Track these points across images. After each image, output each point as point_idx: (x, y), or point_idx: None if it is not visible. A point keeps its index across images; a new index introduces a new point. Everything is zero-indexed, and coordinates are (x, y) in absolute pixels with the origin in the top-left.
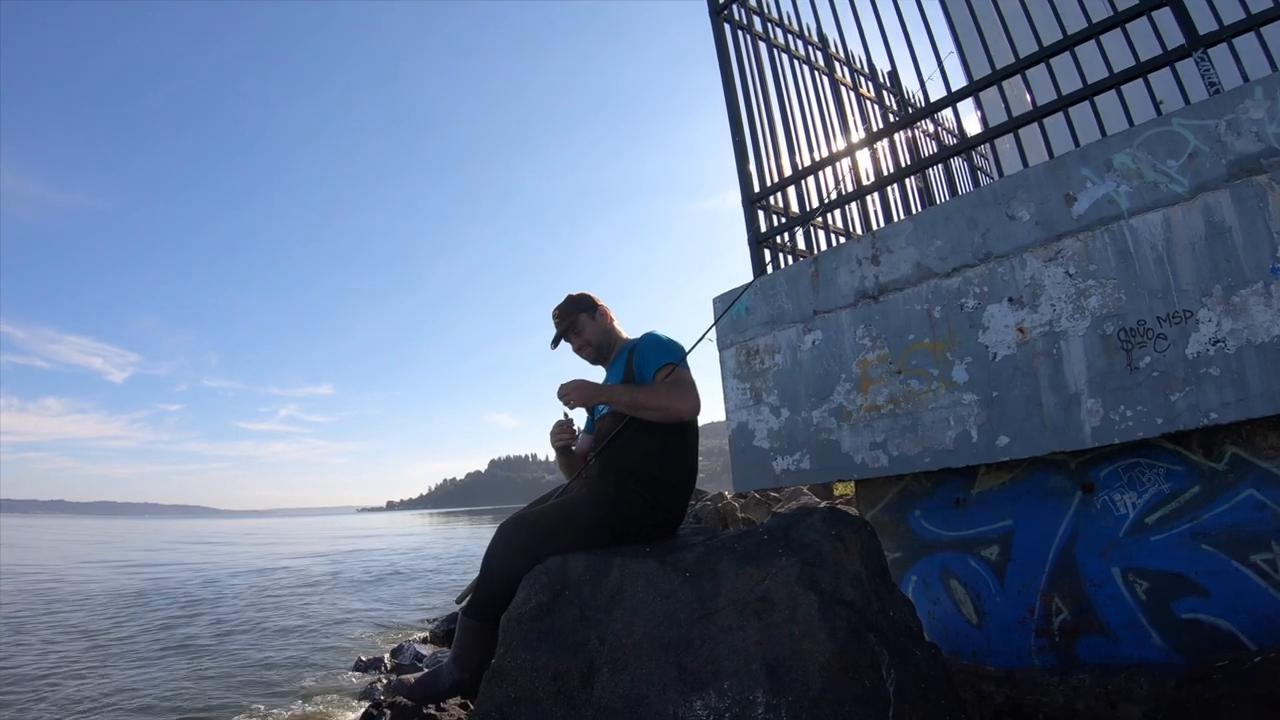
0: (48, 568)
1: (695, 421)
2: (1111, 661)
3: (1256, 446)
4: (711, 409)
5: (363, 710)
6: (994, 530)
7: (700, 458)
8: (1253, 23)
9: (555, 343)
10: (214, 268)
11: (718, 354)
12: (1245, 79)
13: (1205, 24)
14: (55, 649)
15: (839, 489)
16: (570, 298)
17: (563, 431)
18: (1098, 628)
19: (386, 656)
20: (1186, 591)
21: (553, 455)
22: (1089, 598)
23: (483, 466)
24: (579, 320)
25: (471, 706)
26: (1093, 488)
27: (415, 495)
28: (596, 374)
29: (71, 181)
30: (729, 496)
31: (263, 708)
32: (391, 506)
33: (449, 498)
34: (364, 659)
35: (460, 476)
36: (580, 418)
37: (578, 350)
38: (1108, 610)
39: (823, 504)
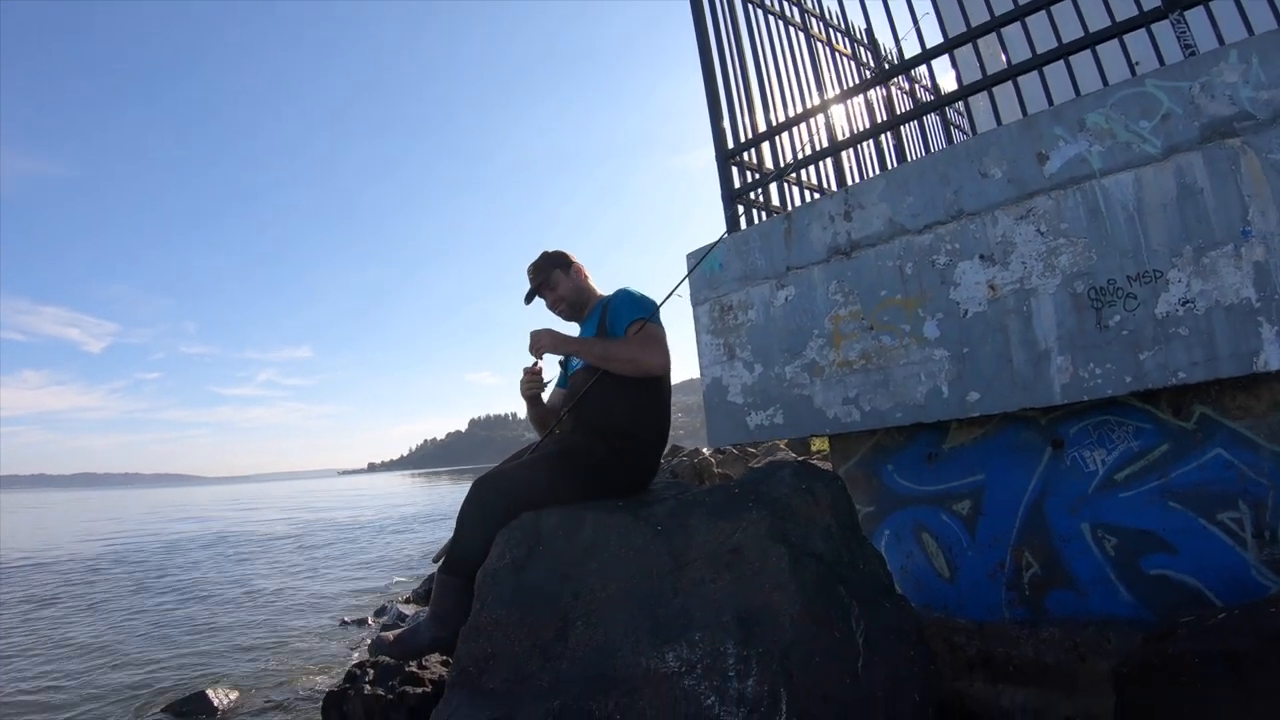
0: (41, 543)
1: (668, 377)
2: (1080, 616)
3: (1225, 407)
4: (689, 365)
5: (346, 670)
6: (965, 485)
7: (678, 414)
8: None
9: (529, 298)
10: (190, 232)
11: (692, 310)
12: (1221, 43)
13: None
14: (46, 616)
15: (816, 444)
16: (545, 254)
17: (532, 381)
18: (1067, 582)
19: (370, 617)
20: (1154, 548)
21: None
22: (1058, 553)
23: (463, 426)
24: (553, 276)
25: (451, 662)
26: (1062, 444)
27: (396, 456)
28: (571, 330)
29: (40, 149)
30: (706, 452)
31: (248, 670)
32: (373, 468)
33: (430, 458)
34: (347, 620)
35: (441, 436)
36: (551, 369)
37: (551, 306)
38: (1077, 565)
39: (799, 460)
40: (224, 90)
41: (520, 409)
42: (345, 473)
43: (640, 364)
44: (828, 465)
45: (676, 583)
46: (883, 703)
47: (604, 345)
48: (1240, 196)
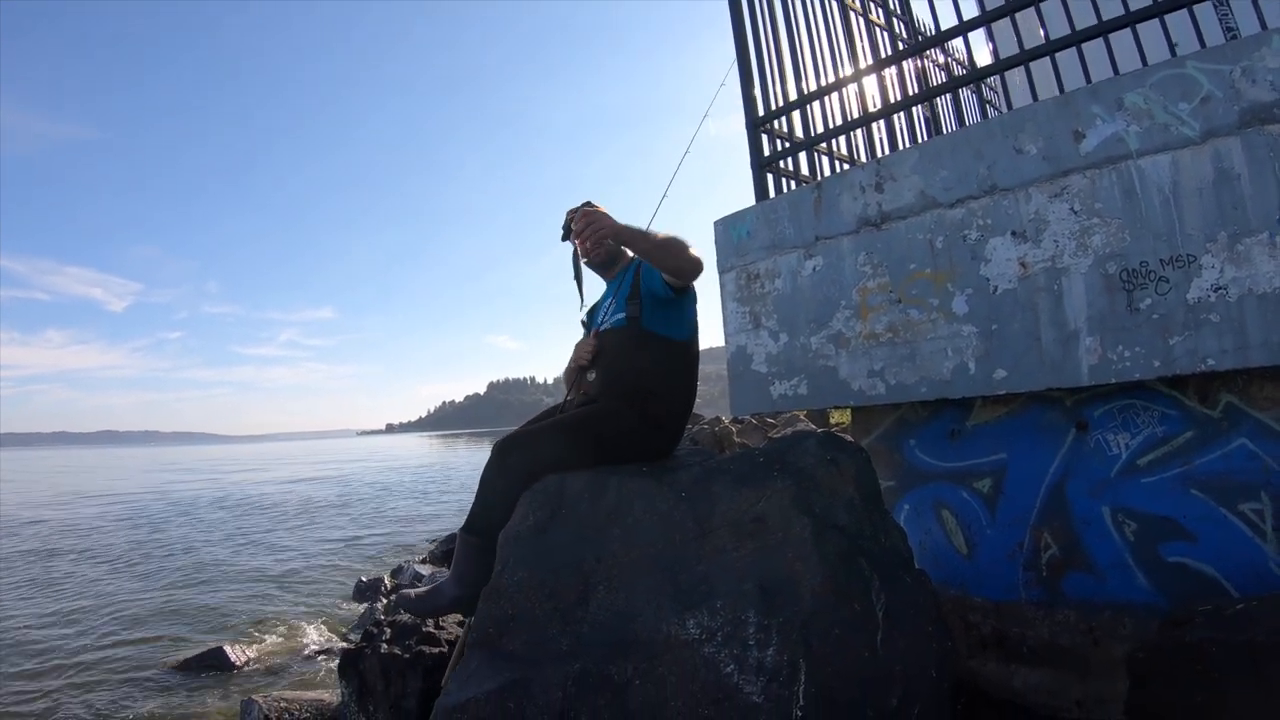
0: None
1: (696, 343)
2: (1097, 599)
3: (1252, 396)
4: (711, 333)
5: (363, 629)
6: (988, 463)
7: (699, 382)
8: None
9: (566, 235)
10: (213, 192)
11: (718, 277)
12: (1264, 26)
13: None
14: (67, 570)
15: (835, 417)
16: (588, 202)
17: (586, 351)
18: (1085, 565)
19: (386, 577)
20: (1174, 535)
21: (551, 378)
22: (1078, 535)
23: (481, 389)
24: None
25: (470, 623)
26: (1087, 426)
27: (414, 418)
28: (597, 284)
29: (67, 111)
30: (726, 421)
31: (266, 627)
32: (391, 429)
33: (448, 420)
34: (364, 580)
35: (459, 399)
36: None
37: (589, 250)
38: (1095, 549)
39: (822, 431)
40: (245, 50)
41: (539, 372)
42: (364, 433)
43: (689, 258)
44: (847, 438)
45: (699, 550)
46: (901, 678)
47: (657, 236)
48: (1278, 184)
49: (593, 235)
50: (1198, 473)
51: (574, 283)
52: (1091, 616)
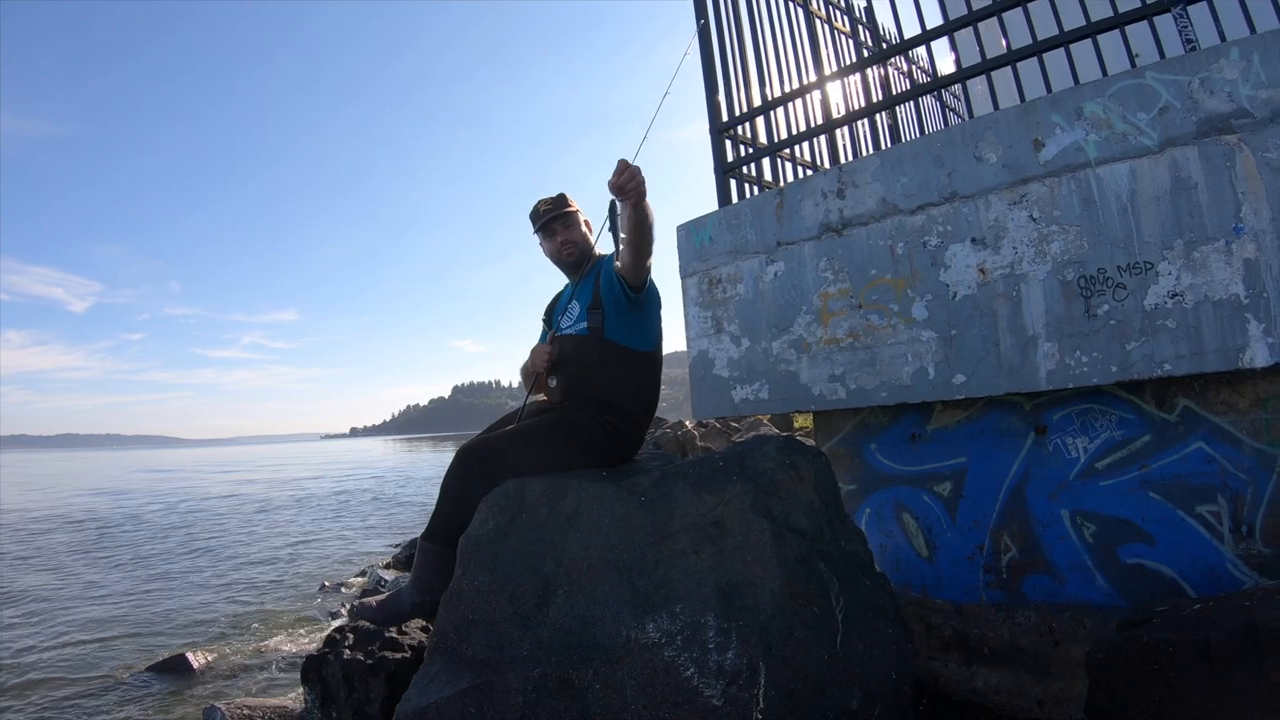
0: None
1: (660, 351)
2: (1056, 601)
3: (1208, 401)
4: (674, 337)
5: (326, 634)
6: (948, 467)
7: (662, 386)
8: None
9: (543, 224)
10: (176, 192)
11: (680, 282)
12: (1223, 39)
13: None
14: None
15: (799, 421)
16: (561, 194)
17: (542, 360)
18: (1045, 567)
19: (349, 579)
20: (1132, 537)
21: (515, 382)
22: (1037, 538)
23: (446, 393)
24: (575, 216)
25: (431, 628)
26: (1045, 430)
27: (379, 421)
28: (559, 279)
29: (33, 108)
30: (689, 425)
31: (228, 632)
32: (355, 433)
33: (412, 424)
34: (328, 584)
35: (424, 403)
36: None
37: (560, 247)
38: (1055, 551)
39: (784, 435)
40: (205, 46)
41: (503, 376)
42: (327, 437)
43: (649, 260)
44: (811, 442)
45: (658, 554)
46: (860, 679)
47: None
48: (1234, 193)
49: (635, 188)
50: (1155, 475)
51: (610, 233)
52: (1051, 617)
